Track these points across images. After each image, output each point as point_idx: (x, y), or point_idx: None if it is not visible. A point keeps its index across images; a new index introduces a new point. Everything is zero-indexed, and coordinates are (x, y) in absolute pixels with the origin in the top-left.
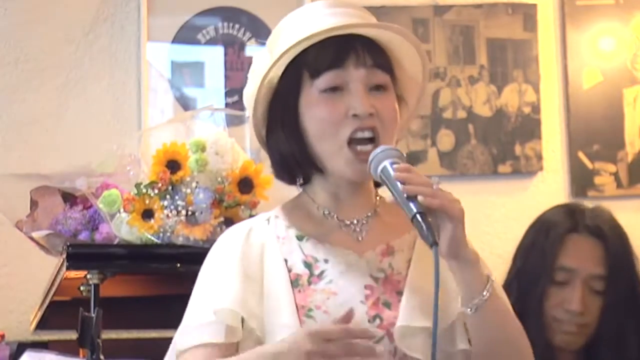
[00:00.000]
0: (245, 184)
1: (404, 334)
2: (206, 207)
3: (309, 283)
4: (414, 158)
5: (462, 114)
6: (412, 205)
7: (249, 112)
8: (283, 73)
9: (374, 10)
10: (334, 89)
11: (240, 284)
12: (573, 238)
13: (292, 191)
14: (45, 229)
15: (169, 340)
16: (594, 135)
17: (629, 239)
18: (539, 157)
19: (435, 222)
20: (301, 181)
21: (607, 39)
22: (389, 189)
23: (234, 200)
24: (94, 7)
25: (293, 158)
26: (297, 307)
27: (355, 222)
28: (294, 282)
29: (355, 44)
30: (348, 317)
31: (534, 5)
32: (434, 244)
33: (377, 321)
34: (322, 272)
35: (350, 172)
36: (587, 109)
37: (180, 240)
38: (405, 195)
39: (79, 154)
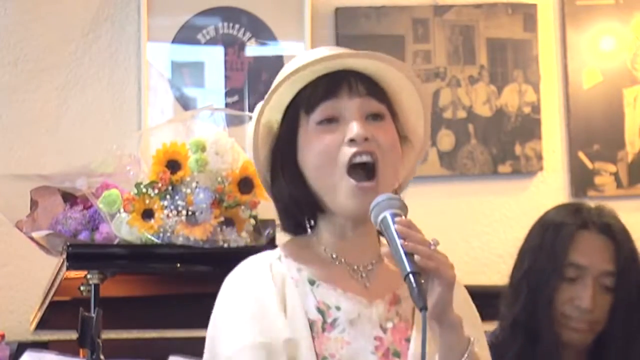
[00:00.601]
0: (246, 184)
1: None
2: (206, 207)
3: (323, 330)
4: None
5: (462, 114)
6: (407, 263)
7: (251, 156)
8: (283, 118)
9: (374, 10)
10: (330, 121)
11: (282, 321)
12: (583, 235)
13: None
14: (45, 229)
15: (168, 340)
16: (594, 135)
17: (633, 238)
18: (539, 157)
19: (426, 283)
20: (312, 223)
21: (607, 39)
22: (387, 240)
23: (234, 200)
24: (94, 7)
25: (294, 201)
26: (316, 354)
27: (361, 267)
28: (311, 328)
29: (348, 76)
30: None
31: (534, 5)
32: (423, 308)
33: None
34: (334, 320)
35: (352, 205)
36: (587, 109)
37: (180, 240)
38: (402, 251)
39: (79, 153)
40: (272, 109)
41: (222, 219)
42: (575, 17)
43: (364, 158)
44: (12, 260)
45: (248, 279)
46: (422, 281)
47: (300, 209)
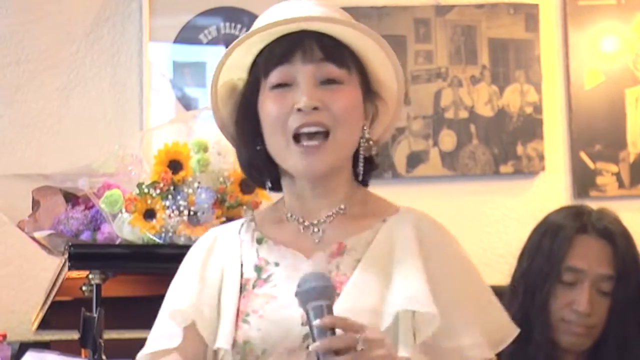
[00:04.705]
0: (247, 184)
1: None
2: (208, 207)
3: (253, 287)
4: (415, 158)
5: (463, 114)
6: None
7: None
8: (248, 76)
9: (375, 10)
10: (284, 85)
11: (197, 290)
12: (582, 239)
13: None
14: (47, 229)
15: None
16: (596, 135)
17: (635, 242)
18: (541, 157)
19: None
20: (269, 185)
21: (609, 39)
22: (311, 332)
23: (236, 200)
24: (96, 7)
25: (251, 163)
26: (238, 312)
27: (315, 222)
28: (243, 287)
29: (304, 39)
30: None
31: (536, 6)
32: None
33: None
34: (269, 276)
35: (301, 169)
36: (589, 109)
37: (182, 241)
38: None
39: (81, 154)
40: (235, 69)
41: (223, 219)
42: (577, 17)
43: (312, 129)
44: (14, 261)
45: (195, 250)
46: None
47: (258, 171)
